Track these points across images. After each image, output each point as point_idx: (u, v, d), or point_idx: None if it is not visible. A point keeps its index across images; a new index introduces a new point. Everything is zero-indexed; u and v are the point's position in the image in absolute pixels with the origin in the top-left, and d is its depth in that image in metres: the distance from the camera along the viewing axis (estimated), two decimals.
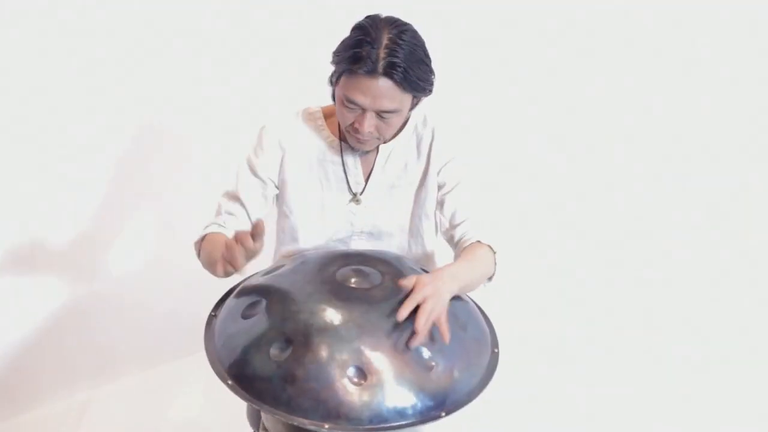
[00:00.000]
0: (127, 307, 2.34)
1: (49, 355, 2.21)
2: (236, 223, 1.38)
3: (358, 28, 1.22)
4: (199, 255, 1.36)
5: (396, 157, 1.41)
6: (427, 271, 1.28)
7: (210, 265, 1.25)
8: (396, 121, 1.27)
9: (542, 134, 2.78)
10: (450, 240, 1.40)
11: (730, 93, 2.53)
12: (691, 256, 2.70)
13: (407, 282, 1.07)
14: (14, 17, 1.87)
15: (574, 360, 2.52)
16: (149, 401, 2.30)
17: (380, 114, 1.23)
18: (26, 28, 1.90)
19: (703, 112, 2.56)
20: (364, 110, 1.23)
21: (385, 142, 1.38)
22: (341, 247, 1.43)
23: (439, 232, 1.47)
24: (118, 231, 2.28)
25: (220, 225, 1.38)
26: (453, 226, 1.37)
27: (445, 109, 1.48)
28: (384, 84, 1.19)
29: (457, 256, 1.33)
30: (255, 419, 1.52)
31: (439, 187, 1.40)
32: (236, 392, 1.04)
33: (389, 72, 1.17)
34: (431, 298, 1.05)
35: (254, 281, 1.26)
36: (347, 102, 1.22)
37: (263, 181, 1.40)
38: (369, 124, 1.23)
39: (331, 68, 1.27)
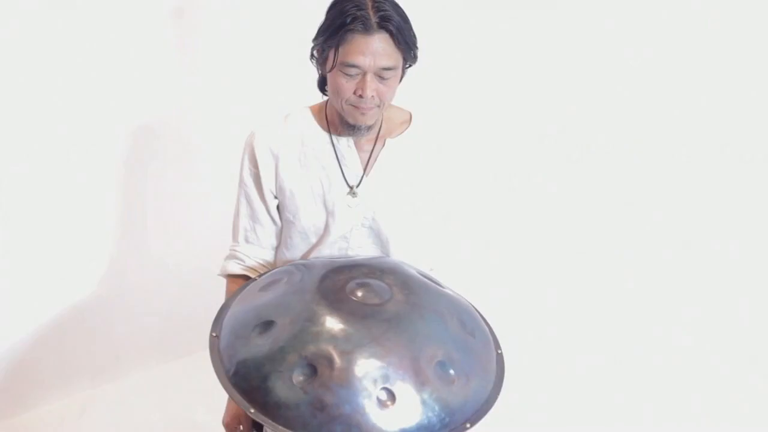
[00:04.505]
0: (127, 307, 2.34)
1: (49, 355, 2.22)
2: (257, 251, 1.46)
3: (337, 2, 1.24)
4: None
5: (396, 154, 1.41)
6: (428, 277, 1.29)
7: None
8: (394, 83, 1.28)
9: (543, 135, 2.78)
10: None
11: (731, 94, 2.54)
12: (691, 256, 2.73)
13: None
14: (14, 17, 1.85)
15: (569, 359, 2.58)
16: (149, 401, 2.31)
17: (380, 75, 1.24)
18: (28, 29, 1.89)
19: (701, 112, 2.58)
20: (364, 74, 1.23)
21: (387, 138, 1.41)
22: (342, 243, 1.43)
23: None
24: (119, 231, 2.27)
25: (239, 261, 1.45)
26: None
27: (450, 117, 1.49)
28: (381, 39, 1.21)
29: None
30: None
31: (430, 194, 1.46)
32: (261, 420, 1.02)
33: (384, 24, 1.20)
34: None
35: (256, 299, 1.23)
36: (347, 68, 1.23)
37: (265, 196, 1.41)
38: (371, 87, 1.24)
39: (314, 61, 1.31)
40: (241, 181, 1.43)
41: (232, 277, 1.47)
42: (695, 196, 2.68)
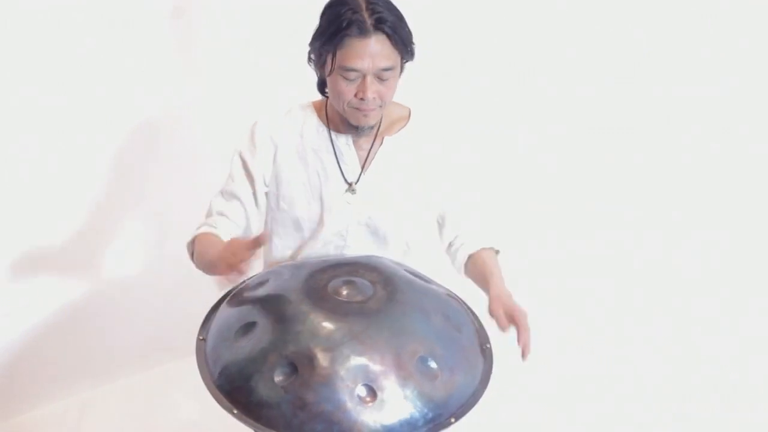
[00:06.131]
0: (126, 307, 2.34)
1: (49, 355, 2.21)
2: (228, 224, 1.38)
3: (332, 6, 1.24)
4: (192, 256, 1.36)
5: (395, 151, 1.41)
6: (415, 274, 1.28)
7: (205, 266, 1.27)
8: (393, 82, 1.29)
9: (544, 134, 2.74)
10: (449, 241, 1.47)
11: (731, 94, 2.49)
12: (692, 253, 2.68)
13: (502, 321, 1.19)
14: (14, 17, 1.85)
15: (563, 355, 2.54)
16: (149, 401, 2.32)
17: (379, 76, 1.25)
18: (28, 29, 1.88)
19: (701, 112, 2.54)
20: (364, 76, 1.24)
21: (386, 135, 1.41)
22: (339, 241, 1.43)
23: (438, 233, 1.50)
24: (118, 231, 2.27)
25: (211, 226, 1.37)
26: (452, 229, 1.45)
27: (448, 113, 1.48)
28: (377, 41, 1.21)
29: (461, 259, 1.43)
30: None
31: (436, 190, 1.44)
32: (244, 421, 1.02)
33: (380, 26, 1.21)
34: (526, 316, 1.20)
35: (241, 300, 1.23)
36: (346, 72, 1.24)
37: (255, 179, 1.40)
38: (372, 89, 1.25)
39: (313, 64, 1.32)
40: (233, 159, 1.43)
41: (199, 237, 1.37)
42: (696, 195, 2.65)
